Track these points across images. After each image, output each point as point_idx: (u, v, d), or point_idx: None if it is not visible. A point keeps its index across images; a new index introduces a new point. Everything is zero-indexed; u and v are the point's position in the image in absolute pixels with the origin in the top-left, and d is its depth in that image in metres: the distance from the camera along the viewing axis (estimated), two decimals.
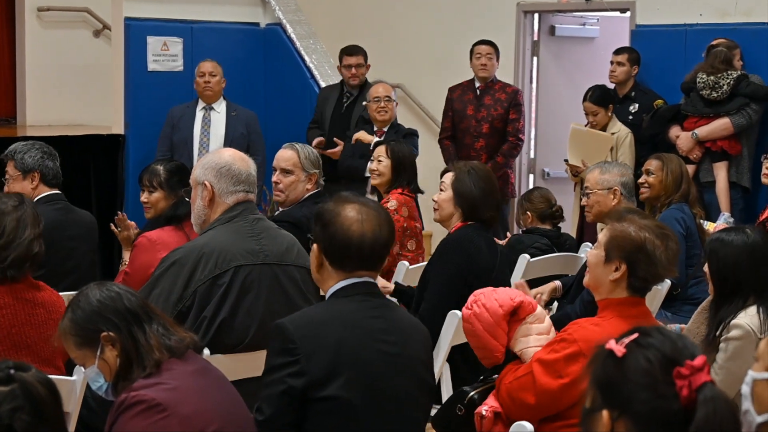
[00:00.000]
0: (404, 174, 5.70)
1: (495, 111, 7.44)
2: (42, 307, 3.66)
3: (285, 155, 4.96)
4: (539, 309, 3.40)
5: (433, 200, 4.58)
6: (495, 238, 4.82)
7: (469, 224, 4.47)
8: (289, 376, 2.70)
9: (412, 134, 7.00)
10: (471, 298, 3.43)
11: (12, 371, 2.00)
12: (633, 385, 1.84)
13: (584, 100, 7.22)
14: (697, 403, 1.79)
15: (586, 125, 7.30)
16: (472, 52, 7.58)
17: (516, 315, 3.37)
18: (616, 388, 1.87)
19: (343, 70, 7.48)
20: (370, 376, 2.76)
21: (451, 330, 4.12)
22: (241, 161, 3.70)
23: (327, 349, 2.72)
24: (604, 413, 1.86)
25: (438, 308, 4.25)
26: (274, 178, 4.95)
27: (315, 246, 2.88)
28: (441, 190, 4.54)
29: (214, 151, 3.92)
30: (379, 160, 5.71)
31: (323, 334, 2.74)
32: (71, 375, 3.31)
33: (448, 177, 4.52)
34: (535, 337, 3.32)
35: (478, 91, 7.55)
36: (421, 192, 6.00)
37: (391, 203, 5.53)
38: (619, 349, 1.89)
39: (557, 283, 5.08)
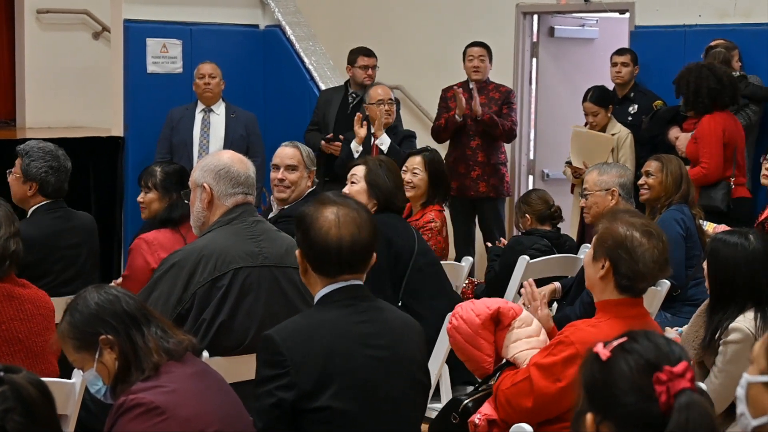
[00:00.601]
0: (441, 188, 5.60)
1: (489, 110, 7.44)
2: (30, 302, 3.69)
3: (289, 152, 5.00)
4: (524, 312, 3.42)
5: (344, 193, 4.53)
6: (488, 242, 4.84)
7: (380, 213, 4.49)
8: (278, 388, 2.67)
9: (410, 136, 6.99)
10: (452, 312, 3.48)
11: (2, 373, 1.99)
12: (615, 390, 1.85)
13: (584, 100, 7.22)
14: (673, 410, 1.80)
15: (584, 125, 7.30)
16: (464, 54, 7.59)
17: (501, 323, 3.38)
18: (599, 391, 1.88)
19: (358, 71, 7.48)
20: (361, 384, 2.73)
21: None
22: (240, 163, 3.70)
23: (315, 360, 2.69)
24: (588, 416, 1.87)
25: None
26: (278, 175, 4.96)
27: (298, 251, 2.86)
28: (352, 182, 4.60)
29: (213, 153, 3.93)
30: (414, 173, 5.55)
31: (311, 345, 2.71)
32: (66, 371, 3.31)
33: (360, 170, 4.60)
34: (525, 340, 3.34)
35: (471, 92, 7.55)
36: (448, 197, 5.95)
37: (435, 223, 5.43)
38: (604, 353, 1.89)
39: (557, 284, 5.08)
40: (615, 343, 1.91)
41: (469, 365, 3.48)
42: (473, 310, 3.41)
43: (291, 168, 4.95)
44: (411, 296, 4.45)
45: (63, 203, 4.82)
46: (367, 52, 7.53)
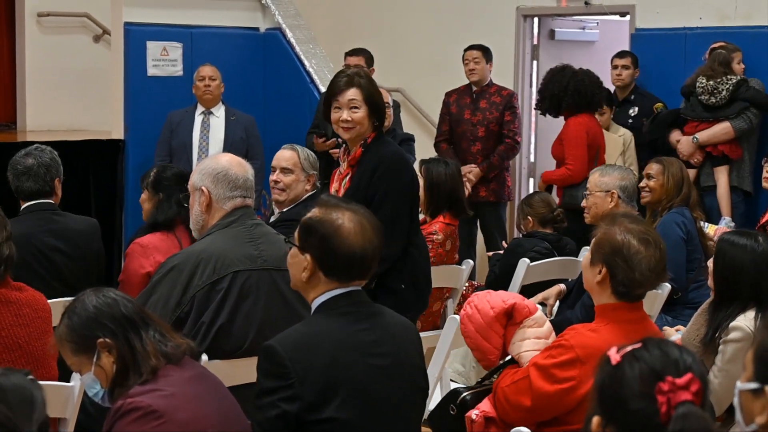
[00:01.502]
0: (439, 199, 5.52)
1: (490, 114, 7.43)
2: (27, 306, 3.65)
3: (285, 155, 5.01)
4: (538, 312, 3.40)
5: (347, 120, 4.26)
6: (489, 252, 4.75)
7: (381, 136, 4.34)
8: (282, 400, 2.63)
9: (409, 139, 6.98)
10: (467, 300, 3.46)
11: None
12: (620, 395, 1.86)
13: None
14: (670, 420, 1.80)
15: None
16: (463, 57, 7.60)
17: (513, 319, 3.36)
18: (606, 395, 1.88)
19: None
20: (364, 393, 2.71)
21: (451, 334, 4.11)
22: (239, 166, 3.69)
23: (320, 371, 2.66)
24: (595, 419, 1.88)
25: (401, 238, 4.19)
26: (273, 177, 4.98)
27: (307, 256, 2.81)
28: (353, 107, 4.24)
29: (211, 156, 3.90)
30: None
31: (314, 355, 2.68)
32: (65, 374, 3.30)
33: (357, 94, 4.25)
34: (533, 340, 3.32)
35: (474, 95, 7.54)
36: (468, 215, 5.89)
37: (437, 236, 5.39)
38: (614, 358, 1.90)
39: (562, 286, 5.07)
40: (628, 348, 1.91)
41: (475, 354, 3.45)
42: (489, 301, 3.37)
43: (286, 171, 4.95)
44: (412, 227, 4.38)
45: (52, 205, 4.70)
46: (352, 52, 7.50)
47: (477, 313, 3.39)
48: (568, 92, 6.68)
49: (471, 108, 7.52)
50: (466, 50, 7.59)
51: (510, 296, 3.43)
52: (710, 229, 5.97)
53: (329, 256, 2.78)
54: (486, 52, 7.54)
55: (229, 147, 7.17)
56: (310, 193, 4.98)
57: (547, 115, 7.05)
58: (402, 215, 4.23)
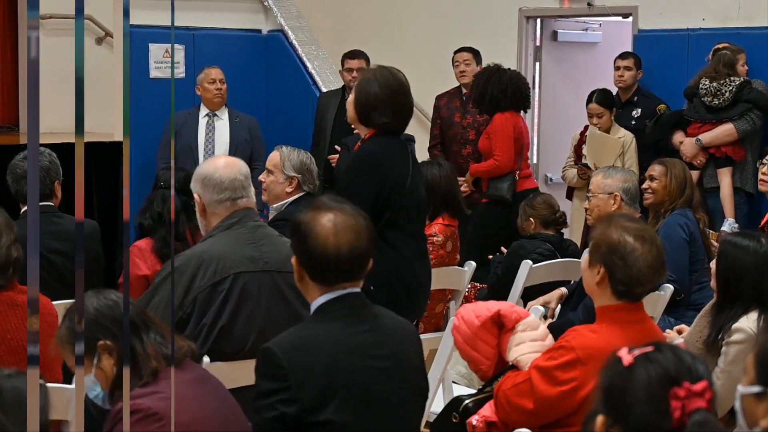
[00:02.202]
0: (436, 200, 5.46)
1: (480, 116, 7.41)
2: None
3: (270, 156, 5.07)
4: (531, 317, 3.40)
5: (348, 103, 4.46)
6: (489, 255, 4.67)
7: (379, 134, 4.34)
8: (280, 402, 2.62)
9: (409, 140, 6.96)
10: (456, 312, 3.48)
11: None
12: (631, 397, 1.84)
13: (589, 102, 7.22)
14: (685, 428, 1.78)
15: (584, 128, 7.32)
16: (453, 60, 7.59)
17: (504, 326, 3.37)
18: (615, 395, 1.87)
19: (345, 74, 7.47)
20: (364, 396, 2.70)
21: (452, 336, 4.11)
22: (225, 168, 3.66)
23: (318, 374, 2.65)
24: (600, 418, 1.87)
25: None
26: (260, 177, 5.06)
27: (294, 259, 2.81)
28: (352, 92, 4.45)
29: (205, 161, 3.93)
30: None
31: (313, 358, 2.67)
32: (69, 375, 3.29)
33: (357, 81, 4.47)
34: (529, 344, 3.32)
35: (464, 98, 7.53)
36: (466, 213, 5.90)
37: (437, 237, 5.38)
38: (627, 359, 1.88)
39: (563, 290, 5.06)
40: (640, 350, 1.90)
41: (470, 366, 3.47)
42: (474, 311, 3.39)
43: (268, 171, 5.00)
44: (390, 228, 4.31)
45: (52, 208, 4.70)
46: (353, 54, 7.49)
47: (463, 324, 3.41)
48: (507, 95, 6.90)
49: (461, 111, 7.50)
50: (456, 52, 7.59)
51: (495, 304, 3.44)
52: (713, 237, 5.94)
53: (307, 258, 2.77)
54: (476, 55, 7.53)
55: (235, 149, 7.18)
56: (300, 194, 4.96)
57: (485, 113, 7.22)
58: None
